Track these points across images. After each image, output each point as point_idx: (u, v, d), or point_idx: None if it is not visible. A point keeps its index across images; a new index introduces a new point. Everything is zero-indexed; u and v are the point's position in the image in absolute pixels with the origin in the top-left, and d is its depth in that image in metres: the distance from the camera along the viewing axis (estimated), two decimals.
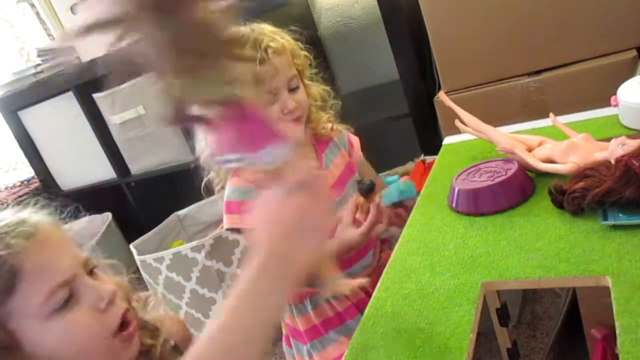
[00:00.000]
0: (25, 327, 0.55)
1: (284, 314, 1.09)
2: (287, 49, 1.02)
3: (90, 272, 0.61)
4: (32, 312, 0.55)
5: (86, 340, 0.58)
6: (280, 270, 0.50)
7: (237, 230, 1.03)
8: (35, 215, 0.60)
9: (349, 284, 0.70)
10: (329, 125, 1.12)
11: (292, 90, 1.03)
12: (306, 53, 1.09)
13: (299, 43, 1.09)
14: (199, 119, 0.50)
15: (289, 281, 0.51)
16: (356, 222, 0.98)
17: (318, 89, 1.11)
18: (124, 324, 0.60)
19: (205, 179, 1.09)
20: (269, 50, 0.98)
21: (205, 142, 1.00)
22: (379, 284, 0.73)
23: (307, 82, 1.08)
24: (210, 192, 1.13)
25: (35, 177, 2.47)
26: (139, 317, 0.65)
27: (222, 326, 0.49)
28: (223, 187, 1.07)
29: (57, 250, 0.59)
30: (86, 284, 0.59)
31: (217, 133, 0.50)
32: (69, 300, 0.57)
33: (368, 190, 0.98)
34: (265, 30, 1.05)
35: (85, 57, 2.03)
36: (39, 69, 2.19)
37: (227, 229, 1.04)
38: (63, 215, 0.64)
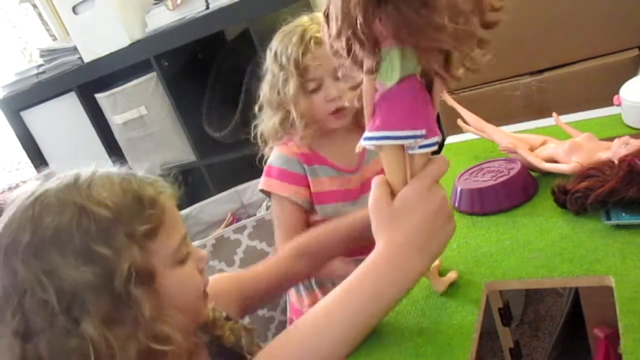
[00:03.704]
0: (162, 268, 0.59)
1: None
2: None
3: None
4: (166, 257, 0.60)
5: (192, 294, 0.63)
6: (396, 268, 0.51)
7: (268, 194, 1.11)
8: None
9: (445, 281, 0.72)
10: None
11: (338, 78, 1.03)
12: None
13: None
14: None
15: (406, 279, 0.52)
16: None
17: None
18: (206, 285, 0.66)
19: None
20: (312, 41, 1.02)
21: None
22: None
23: None
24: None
25: (38, 177, 2.47)
26: None
27: (328, 312, 0.53)
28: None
29: (176, 209, 0.64)
30: (190, 244, 0.65)
31: (390, 105, 0.50)
32: (186, 255, 0.62)
33: None
34: (318, 19, 1.06)
35: (88, 58, 2.03)
36: (41, 69, 2.20)
37: (260, 190, 1.11)
38: None
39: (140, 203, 0.59)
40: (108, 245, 0.55)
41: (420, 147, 0.49)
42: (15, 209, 0.57)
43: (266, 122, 1.12)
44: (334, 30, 0.49)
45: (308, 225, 1.14)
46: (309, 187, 1.12)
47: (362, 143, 0.51)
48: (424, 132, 0.49)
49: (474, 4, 0.48)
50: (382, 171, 1.00)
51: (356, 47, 0.48)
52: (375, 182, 0.54)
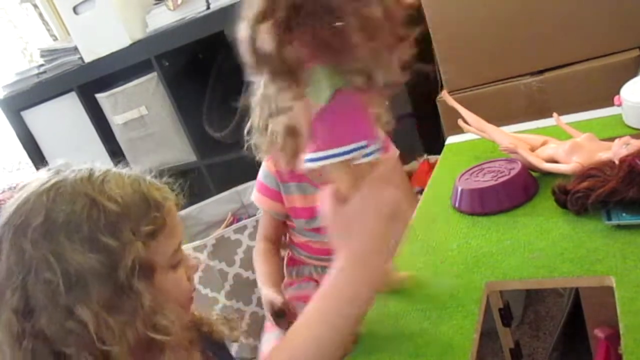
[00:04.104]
0: (157, 267, 0.62)
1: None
2: None
3: None
4: (161, 260, 0.62)
5: (179, 298, 0.65)
6: (362, 271, 0.54)
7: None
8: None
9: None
10: None
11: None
12: None
13: None
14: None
15: (373, 279, 0.55)
16: None
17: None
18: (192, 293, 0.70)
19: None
20: None
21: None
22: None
23: None
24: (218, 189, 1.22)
25: None
26: None
27: (308, 323, 0.56)
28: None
29: (177, 215, 0.67)
30: (184, 252, 0.67)
31: (322, 122, 0.50)
32: (179, 262, 0.65)
33: (281, 316, 1.06)
34: None
35: (88, 58, 2.03)
36: (42, 69, 2.20)
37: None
38: None
39: (147, 204, 0.62)
40: (115, 238, 0.58)
41: (365, 156, 0.50)
42: (29, 193, 0.60)
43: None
44: (252, 66, 0.52)
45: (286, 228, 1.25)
46: (283, 202, 1.19)
47: (306, 165, 0.52)
48: (365, 143, 0.49)
49: (386, 20, 0.48)
50: None
51: (278, 77, 0.51)
52: (326, 193, 0.55)
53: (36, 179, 0.63)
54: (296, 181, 1.17)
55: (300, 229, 1.25)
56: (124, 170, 0.66)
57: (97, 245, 0.57)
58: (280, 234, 1.28)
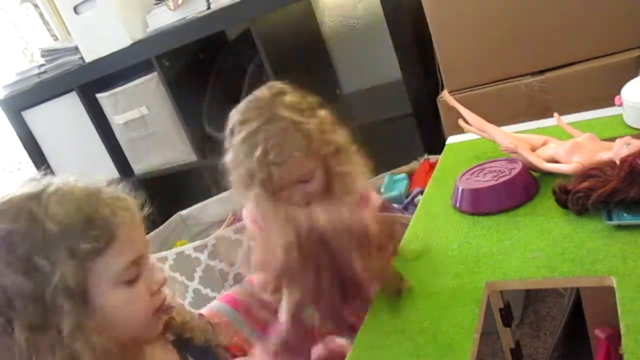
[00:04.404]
0: (99, 288, 0.62)
1: None
2: (297, 157, 0.95)
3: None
4: (107, 277, 0.62)
5: (135, 314, 0.66)
6: None
7: None
8: (125, 194, 0.69)
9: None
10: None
11: (306, 182, 0.98)
12: (329, 133, 0.99)
13: (321, 112, 1.01)
14: None
15: None
16: None
17: (352, 155, 1.03)
18: (161, 306, 0.69)
19: None
20: (273, 166, 0.94)
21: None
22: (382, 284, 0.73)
23: (335, 162, 1.00)
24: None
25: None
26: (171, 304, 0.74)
27: None
28: None
29: (138, 230, 0.67)
30: (147, 266, 0.67)
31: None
32: (134, 278, 0.65)
33: None
34: (273, 134, 0.96)
35: (89, 58, 2.03)
36: (42, 69, 2.20)
37: None
38: None
39: (90, 223, 0.61)
40: (47, 258, 0.59)
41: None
42: None
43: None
44: None
45: None
46: None
47: None
48: None
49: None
50: None
51: None
52: None
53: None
54: None
55: None
56: (80, 184, 0.65)
57: (29, 265, 0.58)
58: None
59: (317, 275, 0.63)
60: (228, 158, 1.01)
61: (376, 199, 1.16)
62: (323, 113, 1.03)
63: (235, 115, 1.00)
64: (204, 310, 1.13)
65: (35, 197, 0.62)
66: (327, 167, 1.00)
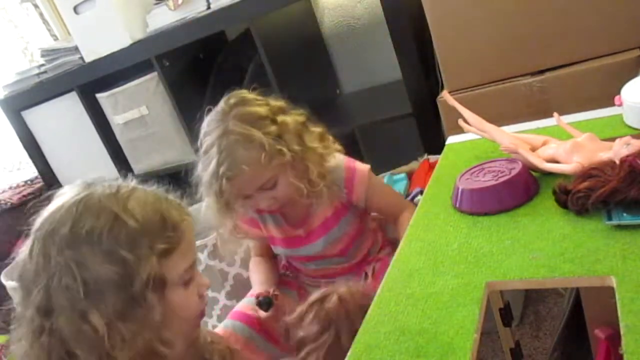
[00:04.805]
0: (170, 284, 0.66)
1: None
2: (247, 171, 0.98)
3: None
4: (174, 276, 0.67)
5: (188, 315, 0.70)
6: None
7: None
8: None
9: None
10: (323, 169, 1.08)
11: (269, 189, 1.03)
12: (287, 141, 1.01)
13: (286, 119, 1.02)
14: None
15: None
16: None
17: (312, 153, 1.05)
18: (204, 309, 0.74)
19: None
20: (224, 179, 0.98)
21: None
22: (382, 284, 0.73)
23: (293, 169, 1.03)
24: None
25: (39, 176, 2.48)
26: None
27: None
28: None
29: (193, 236, 0.72)
30: (197, 271, 0.72)
31: None
32: (189, 280, 0.70)
33: (267, 305, 1.06)
34: (224, 148, 0.99)
35: (89, 58, 2.03)
36: (42, 69, 2.20)
37: None
38: None
39: (165, 224, 0.67)
40: (132, 252, 0.63)
41: None
42: (62, 203, 0.65)
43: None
44: None
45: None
46: (261, 229, 1.20)
47: None
48: None
49: None
50: (326, 220, 1.13)
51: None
52: None
53: (70, 189, 0.68)
54: (272, 212, 1.17)
55: (282, 256, 1.26)
56: (149, 189, 0.71)
57: (115, 257, 0.62)
58: (272, 251, 1.27)
59: (338, 335, 0.70)
60: (198, 168, 1.06)
61: (362, 167, 1.16)
62: (287, 119, 1.04)
63: (203, 127, 1.04)
64: (219, 330, 1.15)
65: (113, 196, 0.66)
66: (288, 172, 1.03)
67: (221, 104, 1.04)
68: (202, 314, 0.74)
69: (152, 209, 0.67)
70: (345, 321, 0.72)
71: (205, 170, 1.02)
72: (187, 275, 0.69)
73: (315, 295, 0.79)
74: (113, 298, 0.61)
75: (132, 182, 0.71)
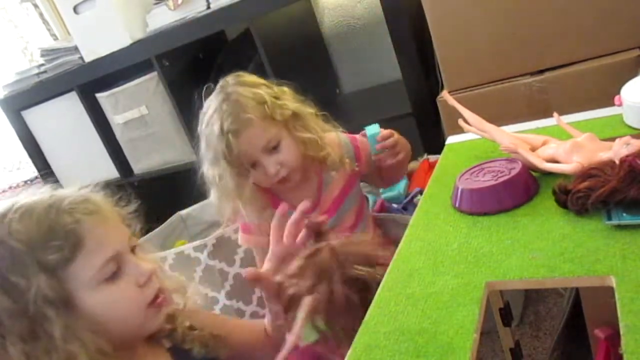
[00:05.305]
0: (79, 291, 0.64)
1: None
2: (253, 121, 1.00)
3: (132, 250, 0.71)
4: (85, 280, 0.65)
5: (126, 309, 0.67)
6: None
7: None
8: (96, 195, 0.71)
9: None
10: (332, 143, 1.11)
11: (273, 149, 1.03)
12: (285, 101, 1.05)
13: (283, 88, 1.07)
14: None
15: None
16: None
17: (312, 122, 1.08)
18: (156, 298, 0.70)
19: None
20: (230, 135, 0.98)
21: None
22: (382, 284, 0.73)
23: (295, 128, 1.05)
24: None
25: (39, 176, 2.48)
26: (168, 296, 0.75)
27: None
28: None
29: (111, 228, 0.69)
30: (130, 260, 0.69)
31: None
32: (116, 274, 0.67)
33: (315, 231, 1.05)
34: (227, 107, 1.01)
35: (89, 57, 2.03)
36: (42, 69, 2.20)
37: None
38: None
39: (52, 234, 0.64)
40: (21, 275, 0.62)
41: None
42: None
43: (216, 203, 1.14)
44: None
45: None
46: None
47: None
48: None
49: None
50: (341, 193, 1.14)
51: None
52: None
53: None
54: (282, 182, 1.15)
55: None
56: (40, 200, 0.67)
57: (7, 286, 0.62)
58: None
59: (330, 286, 0.67)
60: (201, 148, 1.06)
61: (358, 136, 1.20)
62: (283, 88, 1.07)
63: (202, 111, 1.06)
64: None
65: (0, 219, 0.65)
66: (291, 133, 1.04)
67: (219, 84, 1.06)
68: (155, 303, 0.70)
69: (36, 223, 0.64)
70: (337, 270, 0.69)
71: (209, 137, 1.02)
72: (108, 271, 0.66)
73: (306, 250, 0.75)
74: (16, 326, 0.61)
75: (42, 189, 0.69)
